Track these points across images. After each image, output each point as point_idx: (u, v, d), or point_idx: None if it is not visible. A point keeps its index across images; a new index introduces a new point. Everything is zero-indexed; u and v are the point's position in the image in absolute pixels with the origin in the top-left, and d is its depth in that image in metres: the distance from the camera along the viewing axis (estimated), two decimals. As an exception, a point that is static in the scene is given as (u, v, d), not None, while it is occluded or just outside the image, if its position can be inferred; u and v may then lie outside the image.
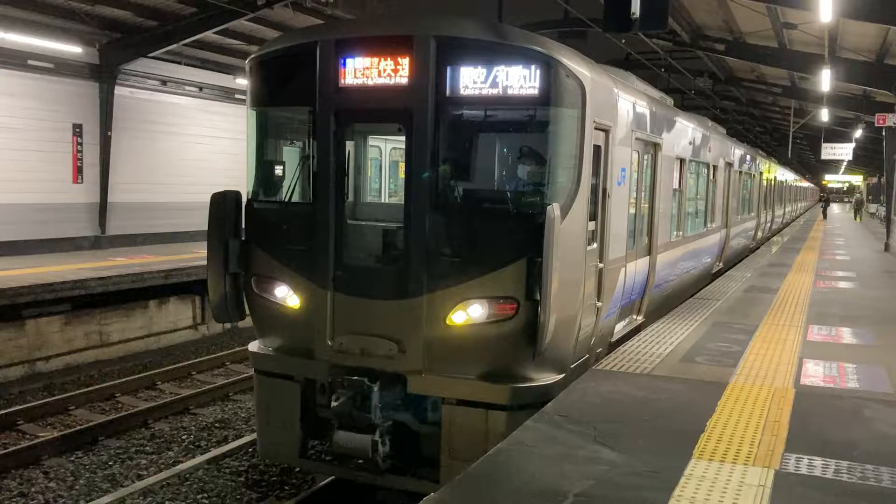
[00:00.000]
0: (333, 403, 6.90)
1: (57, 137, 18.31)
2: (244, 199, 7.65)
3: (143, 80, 20.04)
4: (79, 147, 18.82)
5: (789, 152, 37.75)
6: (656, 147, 9.88)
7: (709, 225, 14.38)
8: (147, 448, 10.16)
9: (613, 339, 8.69)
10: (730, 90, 30.30)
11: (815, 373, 7.70)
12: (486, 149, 7.42)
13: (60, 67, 18.02)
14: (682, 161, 11.59)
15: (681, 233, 11.85)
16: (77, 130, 18.74)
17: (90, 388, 12.32)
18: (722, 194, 15.63)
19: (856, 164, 59.19)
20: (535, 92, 6.55)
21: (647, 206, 9.81)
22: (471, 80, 6.64)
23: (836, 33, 17.39)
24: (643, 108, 9.12)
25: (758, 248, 23.51)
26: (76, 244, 18.79)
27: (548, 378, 6.91)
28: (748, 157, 20.40)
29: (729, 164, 16.24)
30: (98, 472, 9.34)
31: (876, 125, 23.13)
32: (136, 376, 13.09)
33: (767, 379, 7.39)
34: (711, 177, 14.38)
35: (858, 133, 33.65)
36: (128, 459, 9.77)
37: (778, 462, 5.25)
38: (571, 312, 6.96)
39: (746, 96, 32.67)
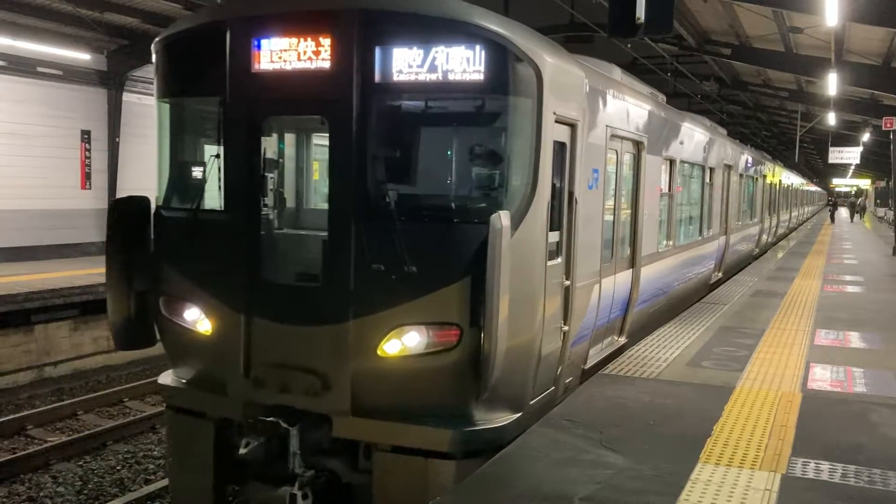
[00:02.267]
0: (242, 450, 5.85)
1: (65, 144, 18.45)
2: (153, 206, 6.66)
3: (151, 86, 20.09)
4: (87, 153, 18.93)
5: (796, 156, 37.65)
6: (639, 146, 8.88)
7: (705, 232, 13.34)
8: (155, 452, 10.19)
9: (587, 366, 7.65)
10: (736, 94, 30.26)
11: (823, 377, 7.68)
12: (424, 146, 6.28)
13: (69, 74, 18.15)
14: (672, 162, 10.64)
15: (671, 242, 10.82)
16: (85, 137, 18.87)
17: (98, 393, 12.36)
18: (721, 199, 14.68)
19: (864, 168, 59.01)
20: (480, 77, 5.53)
21: (628, 212, 8.82)
22: (404, 63, 5.63)
23: (842, 37, 17.36)
24: (622, 101, 8.14)
25: (762, 254, 22.61)
26: (84, 250, 18.88)
27: (500, 419, 5.85)
28: (750, 159, 19.30)
29: (729, 167, 15.33)
30: (106, 477, 9.37)
31: (883, 129, 23.07)
32: (144, 381, 13.13)
33: (774, 383, 7.37)
34: (708, 180, 13.44)
35: (866, 137, 33.57)
36: (136, 464, 9.80)
37: (785, 466, 5.24)
38: (527, 339, 5.89)
39: (753, 100, 32.62)
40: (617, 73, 9.00)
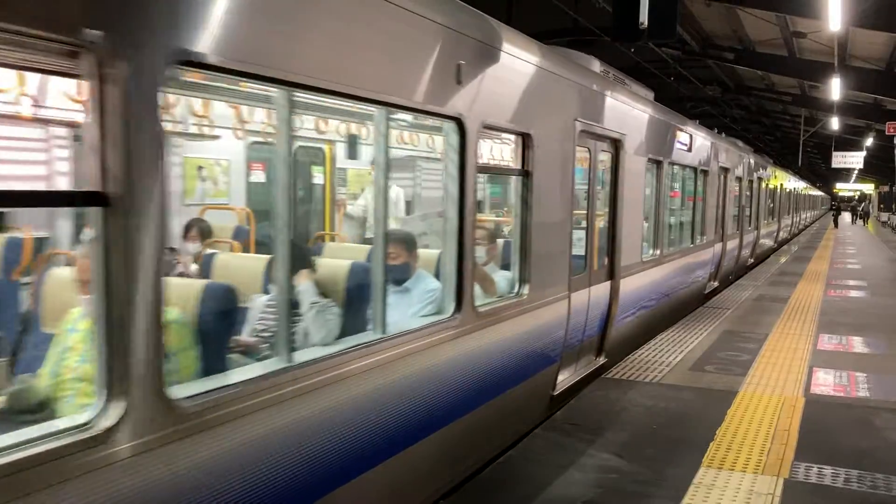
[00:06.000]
0: None
1: None
2: None
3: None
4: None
5: (800, 161, 37.66)
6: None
7: (545, 285, 6.20)
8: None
9: None
10: (739, 99, 30.28)
11: (826, 382, 7.68)
12: None
13: None
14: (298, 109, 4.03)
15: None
16: None
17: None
18: (617, 211, 8.11)
19: (867, 173, 58.99)
20: None
21: None
22: None
23: (845, 42, 17.39)
24: None
25: (730, 283, 15.88)
26: None
27: None
28: (704, 146, 12.80)
29: (617, 145, 8.08)
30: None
31: (886, 133, 23.11)
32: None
33: (777, 388, 7.37)
34: (595, 168, 7.55)
35: (869, 141, 33.60)
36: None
37: (787, 471, 5.24)
38: None
39: (756, 105, 32.62)
40: None
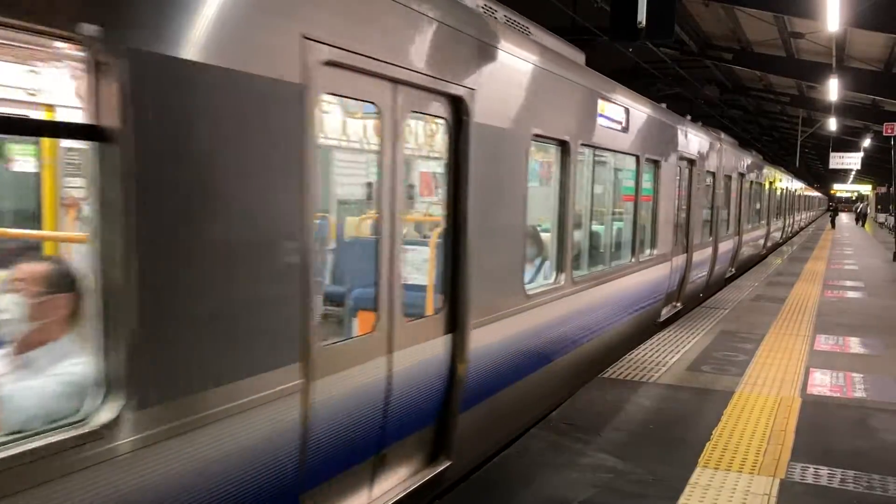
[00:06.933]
0: None
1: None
2: None
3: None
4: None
5: (797, 161, 37.69)
6: None
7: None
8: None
9: None
10: (738, 99, 30.29)
11: (822, 382, 7.68)
12: None
13: None
14: None
15: None
16: None
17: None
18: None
19: (864, 174, 59.07)
20: None
21: None
22: None
23: (843, 42, 17.40)
24: None
25: (697, 302, 12.95)
26: None
27: None
28: (646, 122, 9.19)
29: (458, 107, 4.77)
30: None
31: (884, 134, 23.12)
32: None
33: (774, 388, 7.37)
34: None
35: (867, 142, 33.64)
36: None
37: (783, 471, 5.24)
38: None
39: (754, 105, 32.64)
40: None
